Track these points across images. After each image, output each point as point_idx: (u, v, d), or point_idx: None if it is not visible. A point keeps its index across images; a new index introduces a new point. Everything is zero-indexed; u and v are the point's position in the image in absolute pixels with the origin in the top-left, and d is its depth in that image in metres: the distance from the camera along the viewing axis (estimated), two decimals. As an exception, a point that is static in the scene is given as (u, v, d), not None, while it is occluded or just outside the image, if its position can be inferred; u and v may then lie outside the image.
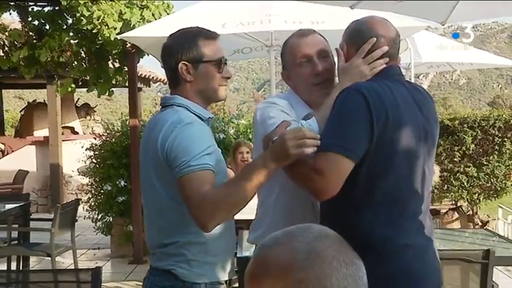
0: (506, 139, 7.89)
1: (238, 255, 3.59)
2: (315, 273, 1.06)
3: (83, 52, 7.20)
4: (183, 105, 2.24)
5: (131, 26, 6.06)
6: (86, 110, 14.57)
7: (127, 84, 7.43)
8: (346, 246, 1.13)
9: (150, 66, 11.72)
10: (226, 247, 2.35)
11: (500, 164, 7.89)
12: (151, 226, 2.33)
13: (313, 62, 2.37)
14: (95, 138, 7.86)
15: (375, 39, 2.19)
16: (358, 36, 2.22)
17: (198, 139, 2.14)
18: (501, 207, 7.70)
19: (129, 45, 6.47)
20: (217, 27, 5.27)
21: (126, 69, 7.20)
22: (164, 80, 14.06)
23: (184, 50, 2.24)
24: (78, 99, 14.49)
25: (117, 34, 5.99)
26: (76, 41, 7.10)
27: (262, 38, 6.08)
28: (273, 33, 5.92)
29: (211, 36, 2.29)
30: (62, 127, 12.34)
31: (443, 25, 5.24)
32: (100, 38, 6.04)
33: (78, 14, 5.89)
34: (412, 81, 11.01)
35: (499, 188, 7.97)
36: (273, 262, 1.10)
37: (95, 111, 14.91)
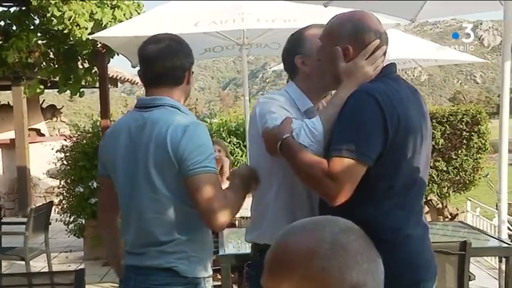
0: (473, 133, 8.08)
1: (220, 253, 3.62)
2: (338, 264, 1.08)
3: (51, 53, 7.10)
4: (175, 106, 2.32)
5: (102, 25, 6.00)
6: (52, 111, 14.33)
7: (97, 84, 7.36)
8: (369, 243, 1.16)
9: (117, 66, 11.63)
10: (211, 244, 2.48)
11: (468, 158, 8.07)
12: (144, 225, 2.32)
13: None
14: (66, 140, 7.76)
15: (378, 40, 2.18)
16: (361, 36, 2.18)
17: (208, 140, 2.27)
18: (469, 200, 7.86)
19: (99, 45, 6.42)
20: (190, 26, 5.26)
21: (96, 69, 7.14)
22: (132, 80, 13.93)
23: (191, 54, 2.41)
24: (44, 100, 14.23)
25: (88, 34, 5.93)
26: (44, 42, 7.00)
27: (234, 36, 6.09)
28: (245, 31, 5.94)
29: None
30: (28, 129, 12.13)
31: (413, 22, 5.34)
32: (71, 38, 5.96)
33: (48, 14, 5.81)
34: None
35: (467, 181, 8.15)
36: (298, 248, 1.11)
37: (61, 113, 14.68)
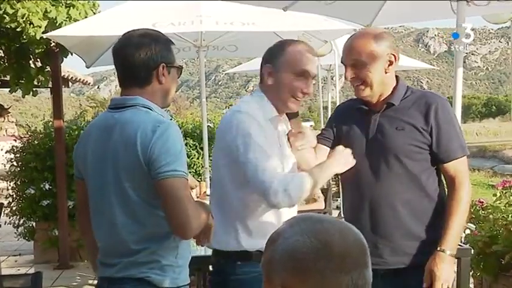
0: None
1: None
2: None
3: (1, 51, 6.89)
4: (146, 106, 2.19)
5: (57, 24, 5.87)
6: (-1, 111, 13.97)
7: (49, 84, 7.18)
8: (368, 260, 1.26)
9: (69, 66, 11.36)
10: (189, 249, 2.34)
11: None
12: (115, 232, 2.19)
13: (309, 81, 2.44)
14: (15, 140, 7.56)
15: None
16: None
17: (179, 141, 2.14)
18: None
19: (53, 44, 6.27)
20: (148, 26, 5.17)
21: (49, 69, 6.96)
22: (84, 80, 13.65)
23: (164, 52, 2.24)
24: (-10, 100, 13.85)
25: (42, 33, 5.78)
26: (-6, 40, 6.78)
27: (191, 38, 6.07)
28: (203, 33, 5.93)
29: (172, 43, 2.33)
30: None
31: (369, 28, 5.43)
32: (25, 37, 5.80)
33: (0, 12, 5.63)
34: (328, 82, 11.21)
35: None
36: None
37: (9, 113, 14.31)
